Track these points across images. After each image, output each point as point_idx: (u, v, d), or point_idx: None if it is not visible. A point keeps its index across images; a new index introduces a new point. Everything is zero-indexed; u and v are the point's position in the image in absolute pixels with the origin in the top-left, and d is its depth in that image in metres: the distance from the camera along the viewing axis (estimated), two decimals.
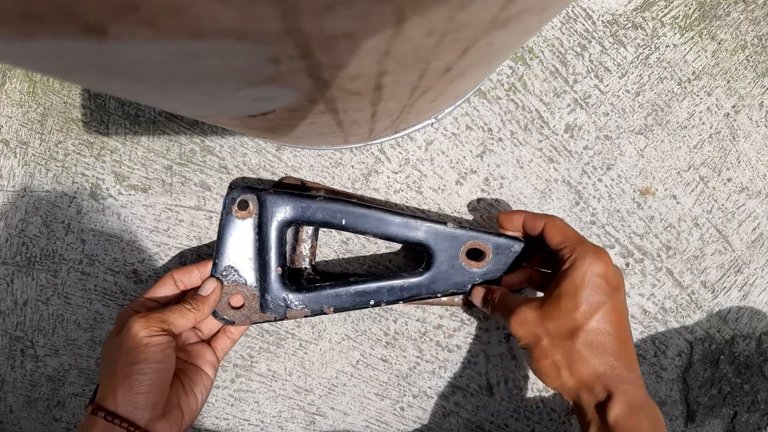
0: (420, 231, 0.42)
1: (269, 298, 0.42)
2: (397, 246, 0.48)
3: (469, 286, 0.43)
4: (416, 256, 0.48)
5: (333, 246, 0.48)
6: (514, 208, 0.48)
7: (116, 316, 0.41)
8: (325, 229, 0.48)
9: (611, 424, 0.35)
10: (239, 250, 0.42)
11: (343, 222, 0.42)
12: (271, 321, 0.44)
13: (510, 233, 0.43)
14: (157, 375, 0.37)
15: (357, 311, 0.49)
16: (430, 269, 0.43)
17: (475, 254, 0.43)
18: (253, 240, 0.42)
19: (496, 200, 0.48)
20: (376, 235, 0.43)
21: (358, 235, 0.48)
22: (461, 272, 0.43)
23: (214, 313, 0.42)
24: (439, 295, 0.44)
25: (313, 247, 0.46)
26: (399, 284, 0.43)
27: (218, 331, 0.45)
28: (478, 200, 0.48)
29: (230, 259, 0.42)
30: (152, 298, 0.41)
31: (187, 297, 0.41)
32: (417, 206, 0.48)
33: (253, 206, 0.41)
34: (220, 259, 0.42)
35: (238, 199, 0.41)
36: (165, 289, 0.42)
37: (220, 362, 0.44)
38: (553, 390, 0.38)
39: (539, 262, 0.43)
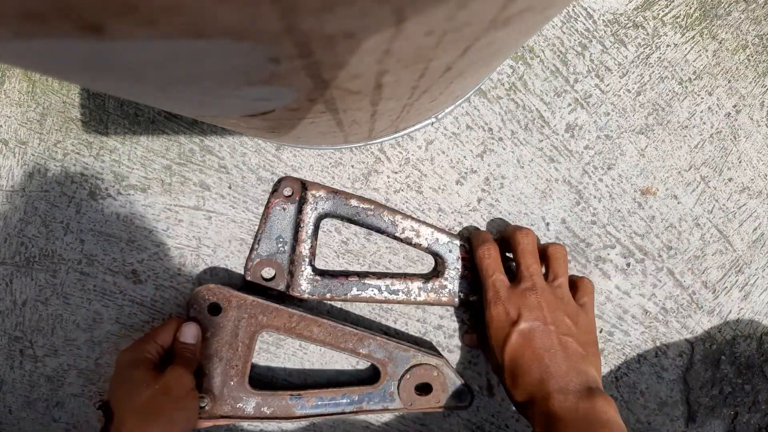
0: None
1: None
2: (397, 246, 0.48)
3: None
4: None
5: (333, 246, 0.48)
6: (513, 208, 0.48)
7: (127, 351, 0.43)
8: (324, 229, 0.48)
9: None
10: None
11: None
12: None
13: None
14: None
15: (358, 311, 0.49)
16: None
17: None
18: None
19: (497, 200, 0.48)
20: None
21: (358, 236, 0.48)
22: None
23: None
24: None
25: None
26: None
27: None
28: (479, 200, 0.48)
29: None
30: (159, 344, 0.43)
31: (179, 347, 0.43)
32: (417, 206, 0.48)
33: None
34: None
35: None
36: (169, 331, 0.43)
37: None
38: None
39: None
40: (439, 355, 0.47)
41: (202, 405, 0.43)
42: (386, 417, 0.50)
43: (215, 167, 0.47)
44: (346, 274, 0.47)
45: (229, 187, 0.47)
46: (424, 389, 0.46)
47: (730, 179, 0.48)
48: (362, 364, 0.49)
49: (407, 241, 0.46)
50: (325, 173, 0.47)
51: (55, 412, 0.50)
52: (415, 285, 0.46)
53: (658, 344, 0.49)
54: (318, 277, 0.46)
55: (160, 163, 0.47)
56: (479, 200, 0.48)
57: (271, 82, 0.18)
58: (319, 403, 0.46)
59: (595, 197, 0.48)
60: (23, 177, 0.48)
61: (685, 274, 0.49)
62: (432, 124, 0.46)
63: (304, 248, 0.46)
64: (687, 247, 0.48)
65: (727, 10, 0.47)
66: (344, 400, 0.46)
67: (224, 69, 0.16)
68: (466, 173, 0.47)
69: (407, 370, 0.45)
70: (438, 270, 0.47)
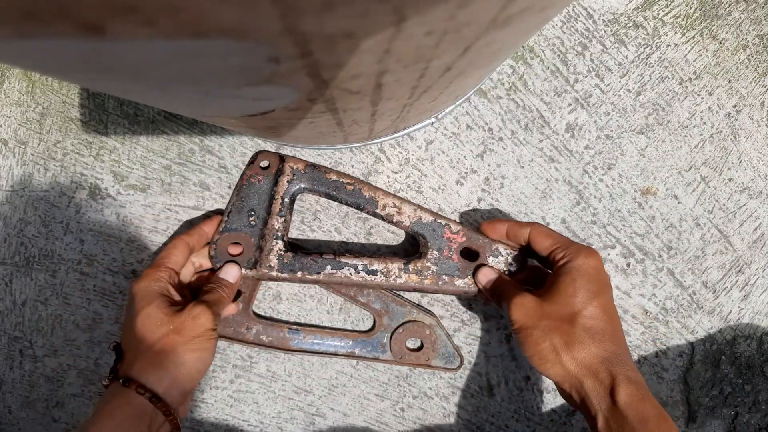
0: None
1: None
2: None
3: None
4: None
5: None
6: (513, 208, 0.48)
7: (139, 282, 0.39)
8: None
9: (621, 408, 0.34)
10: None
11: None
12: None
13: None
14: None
15: (357, 312, 0.49)
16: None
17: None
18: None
19: (497, 200, 0.48)
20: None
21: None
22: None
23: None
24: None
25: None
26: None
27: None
28: (479, 200, 0.48)
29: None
30: (172, 268, 0.41)
31: (212, 282, 0.41)
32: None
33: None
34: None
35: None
36: (179, 253, 0.41)
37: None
38: (550, 379, 0.37)
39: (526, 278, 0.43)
40: (433, 315, 0.48)
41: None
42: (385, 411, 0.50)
43: (215, 167, 0.47)
44: (320, 252, 0.44)
45: (229, 187, 0.47)
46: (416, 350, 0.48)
47: (730, 179, 0.48)
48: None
49: (388, 219, 0.44)
50: None
51: (55, 412, 0.50)
52: (396, 266, 0.43)
53: (658, 344, 0.49)
54: (290, 254, 0.43)
55: (159, 163, 0.47)
56: (479, 200, 0.48)
57: (271, 82, 0.18)
58: (315, 341, 0.47)
59: (595, 197, 0.48)
60: (23, 177, 0.48)
61: (686, 274, 0.49)
62: (432, 124, 0.46)
63: (277, 222, 0.43)
64: (687, 247, 0.48)
65: (727, 10, 0.47)
66: (338, 343, 0.47)
67: (224, 69, 0.16)
68: (466, 173, 0.47)
69: (401, 324, 0.47)
70: (421, 251, 0.44)
